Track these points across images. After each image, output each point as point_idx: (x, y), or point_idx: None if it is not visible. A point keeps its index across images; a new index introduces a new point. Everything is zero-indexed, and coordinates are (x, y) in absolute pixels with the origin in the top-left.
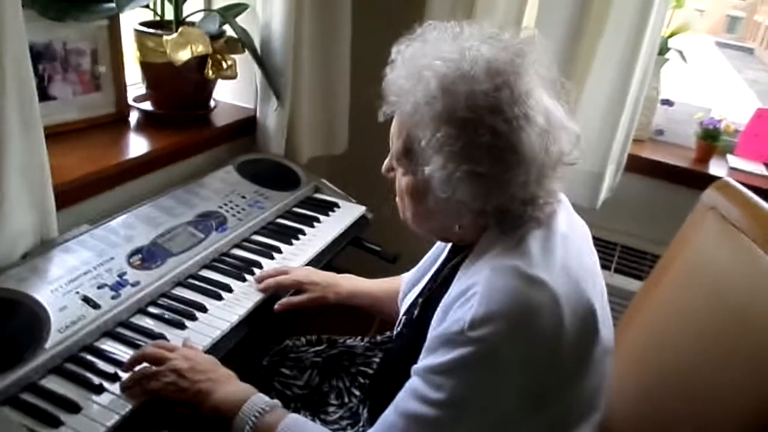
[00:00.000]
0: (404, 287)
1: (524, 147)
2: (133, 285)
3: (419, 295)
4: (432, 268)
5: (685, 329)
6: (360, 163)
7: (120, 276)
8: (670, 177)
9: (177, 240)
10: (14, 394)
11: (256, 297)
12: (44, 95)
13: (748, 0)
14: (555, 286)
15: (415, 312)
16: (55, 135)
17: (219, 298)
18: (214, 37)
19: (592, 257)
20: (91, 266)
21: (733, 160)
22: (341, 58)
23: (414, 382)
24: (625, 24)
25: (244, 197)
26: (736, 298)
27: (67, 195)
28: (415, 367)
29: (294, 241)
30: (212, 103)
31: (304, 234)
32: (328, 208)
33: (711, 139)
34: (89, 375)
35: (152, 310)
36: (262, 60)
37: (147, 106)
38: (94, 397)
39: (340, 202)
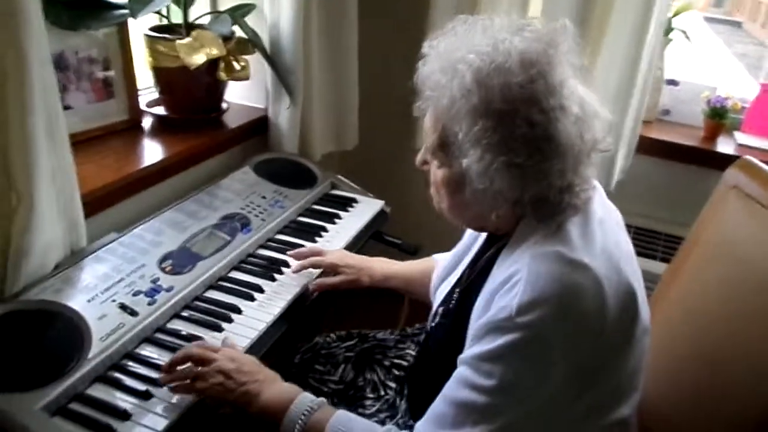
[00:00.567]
0: (435, 280)
1: (560, 136)
2: (167, 290)
3: (455, 285)
4: (465, 258)
5: (716, 305)
6: (371, 158)
7: (154, 282)
8: (680, 156)
9: (204, 243)
10: (64, 404)
11: (289, 296)
12: None
13: None
14: (597, 268)
15: (453, 302)
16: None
17: (251, 299)
18: (225, 39)
19: (627, 240)
20: (123, 274)
21: (741, 137)
22: (349, 54)
23: (462, 371)
24: (632, 6)
25: (264, 197)
26: (764, 277)
27: (92, 204)
28: (462, 356)
29: (317, 239)
30: (224, 105)
31: (327, 231)
32: (346, 203)
33: (718, 117)
34: (134, 382)
35: (188, 314)
36: (272, 59)
37: (160, 110)
38: (143, 403)
39: (357, 197)
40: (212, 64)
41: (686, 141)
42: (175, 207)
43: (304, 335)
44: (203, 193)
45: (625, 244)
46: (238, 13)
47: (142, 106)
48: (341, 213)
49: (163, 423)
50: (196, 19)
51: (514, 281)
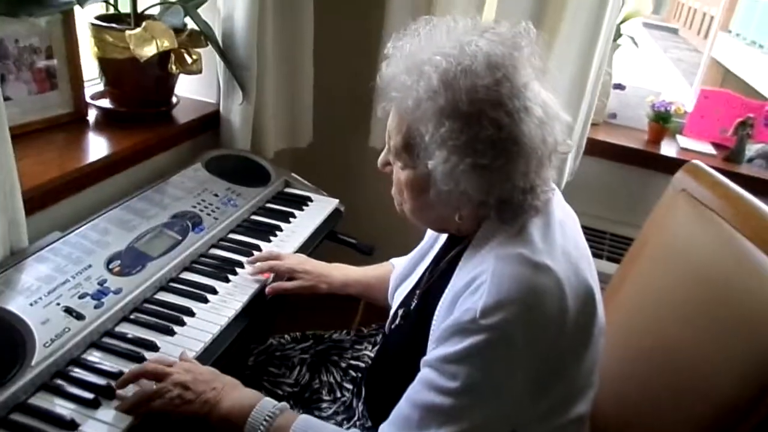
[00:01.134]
0: (394, 281)
1: (525, 138)
2: (115, 292)
3: (415, 287)
4: (425, 259)
5: (665, 307)
6: (324, 156)
7: (101, 284)
8: (626, 158)
9: (154, 243)
10: (4, 415)
11: (244, 297)
12: None
13: None
14: (558, 270)
15: (413, 304)
16: (12, 138)
17: (205, 300)
18: (177, 31)
19: (584, 241)
20: (68, 275)
21: (683, 141)
22: (305, 50)
23: (427, 373)
24: (584, 11)
25: (216, 195)
26: (712, 275)
27: (33, 202)
28: (425, 358)
29: (272, 238)
30: (174, 99)
31: (281, 230)
32: (301, 202)
33: (662, 121)
34: (81, 390)
35: (137, 317)
36: (225, 53)
37: (106, 103)
38: (91, 412)
39: (312, 195)
40: (162, 56)
41: (632, 144)
42: (123, 205)
43: (257, 337)
44: (152, 191)
45: (583, 245)
46: (190, 5)
47: (87, 98)
48: (296, 212)
49: None
50: (145, 9)
51: (478, 283)
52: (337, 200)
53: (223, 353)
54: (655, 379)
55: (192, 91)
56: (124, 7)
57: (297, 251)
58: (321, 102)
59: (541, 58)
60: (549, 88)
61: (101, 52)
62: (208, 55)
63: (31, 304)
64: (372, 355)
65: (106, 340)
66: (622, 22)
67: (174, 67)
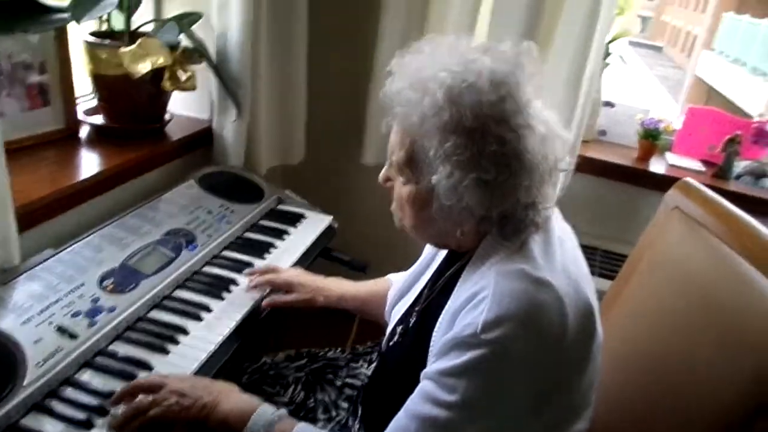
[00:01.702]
0: (391, 299)
1: (528, 154)
2: (109, 311)
3: (414, 304)
4: (423, 276)
5: (659, 324)
6: (316, 172)
7: (94, 302)
8: (615, 175)
9: (148, 260)
10: None
11: (238, 315)
12: None
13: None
14: (559, 286)
15: (412, 321)
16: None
17: (199, 318)
18: (171, 48)
19: (583, 258)
20: (61, 293)
21: (672, 158)
22: (298, 67)
23: (426, 386)
24: (575, 30)
25: (210, 212)
26: (707, 292)
27: (25, 219)
28: (425, 371)
29: (266, 255)
30: (167, 116)
31: (276, 247)
32: (294, 219)
33: (652, 138)
34: (74, 410)
35: (131, 335)
36: (219, 70)
37: (99, 119)
38: None
39: (305, 212)
40: (156, 73)
41: (621, 161)
42: (116, 222)
43: (250, 355)
44: (145, 208)
45: (581, 262)
46: (184, 22)
47: (79, 114)
48: (289, 228)
49: None
50: (139, 26)
51: (479, 298)
52: (330, 217)
53: (217, 372)
54: (652, 397)
55: (185, 107)
56: (118, 24)
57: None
58: (314, 119)
59: (541, 77)
60: (549, 107)
61: (95, 68)
62: (201, 72)
63: (23, 323)
64: (368, 373)
65: (99, 359)
66: (611, 41)
67: (168, 84)
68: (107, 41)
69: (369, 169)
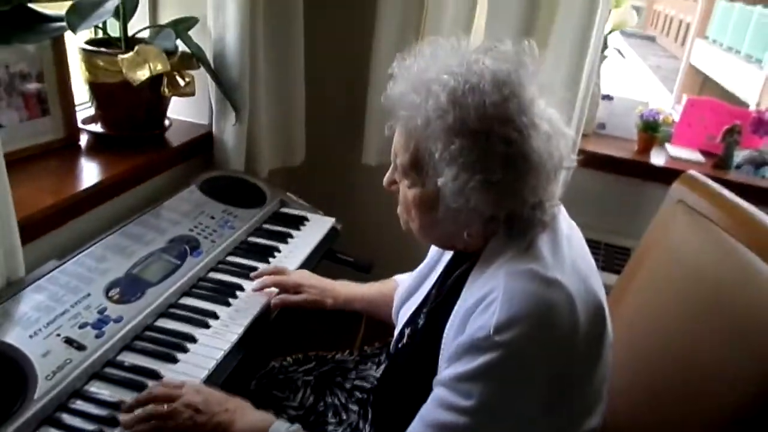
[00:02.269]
0: (398, 300)
1: (534, 154)
2: (116, 321)
3: (422, 305)
4: (430, 277)
5: (669, 316)
6: (317, 174)
7: (101, 312)
8: (616, 168)
9: (153, 268)
10: None
11: (246, 320)
12: None
13: None
14: (569, 285)
15: (420, 322)
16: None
17: (206, 326)
18: (169, 54)
19: (590, 255)
20: (68, 305)
21: (672, 149)
22: (296, 68)
23: (440, 392)
24: (572, 25)
25: (212, 217)
26: (714, 284)
27: (29, 230)
28: (438, 377)
29: (271, 260)
30: (166, 122)
31: (280, 251)
32: (298, 222)
33: (651, 131)
34: (85, 422)
35: (139, 345)
36: (217, 75)
37: (97, 128)
38: None
39: (308, 215)
40: (154, 79)
41: (622, 154)
42: (119, 231)
43: (258, 360)
44: (148, 215)
45: (589, 258)
46: (180, 27)
47: (78, 123)
48: (293, 232)
49: None
50: (136, 33)
51: (489, 300)
52: (333, 219)
53: (227, 378)
54: (663, 389)
55: (184, 113)
56: (114, 31)
57: None
58: (313, 120)
59: (543, 76)
60: (553, 105)
61: (92, 76)
62: (199, 76)
63: (30, 336)
64: (377, 375)
65: (108, 370)
66: (608, 34)
67: (167, 90)
68: (104, 49)
69: (370, 169)
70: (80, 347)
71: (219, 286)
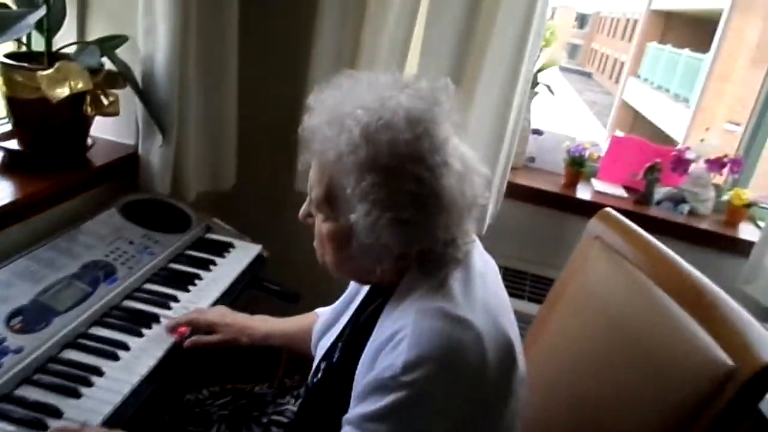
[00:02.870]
0: (316, 333)
1: (445, 192)
2: (15, 352)
3: (338, 339)
4: (347, 310)
5: (583, 353)
6: (248, 199)
7: None
8: (543, 201)
9: (62, 296)
10: None
11: (158, 353)
12: None
13: (586, 29)
14: (478, 324)
15: (335, 356)
16: None
17: (115, 358)
18: (93, 72)
19: (504, 290)
20: None
21: (597, 184)
22: (228, 90)
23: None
24: (502, 64)
25: (131, 243)
26: (627, 322)
27: None
28: (346, 416)
29: (191, 288)
30: (89, 141)
31: (201, 279)
32: (223, 248)
33: (577, 165)
34: None
35: (40, 378)
36: (144, 94)
37: (13, 144)
38: None
39: (234, 241)
40: (77, 97)
41: (549, 187)
42: (28, 255)
43: (173, 394)
44: (62, 239)
45: (502, 295)
46: (108, 45)
47: None
48: (217, 259)
49: None
50: (61, 48)
51: (398, 338)
52: (260, 246)
53: (136, 413)
54: (576, 424)
55: (109, 132)
56: (39, 46)
57: (218, 300)
58: (246, 143)
59: (459, 113)
60: (467, 142)
61: (9, 91)
62: (126, 95)
63: None
64: (294, 409)
65: (4, 405)
66: (539, 71)
67: (90, 109)
68: (25, 64)
69: (302, 196)
70: None
71: (133, 315)
